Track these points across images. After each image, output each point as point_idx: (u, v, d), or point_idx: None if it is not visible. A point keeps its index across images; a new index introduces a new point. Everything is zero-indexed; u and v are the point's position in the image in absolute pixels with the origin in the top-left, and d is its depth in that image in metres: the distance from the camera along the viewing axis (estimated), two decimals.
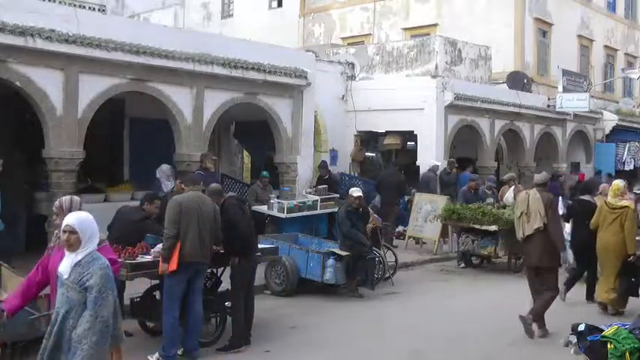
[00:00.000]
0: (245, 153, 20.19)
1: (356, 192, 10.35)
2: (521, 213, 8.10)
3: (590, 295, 9.88)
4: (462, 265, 13.00)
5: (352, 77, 18.43)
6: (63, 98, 10.45)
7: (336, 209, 11.93)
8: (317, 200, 13.07)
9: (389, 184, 14.99)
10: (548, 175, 8.64)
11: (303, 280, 9.99)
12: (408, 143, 18.76)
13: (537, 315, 8.03)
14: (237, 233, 7.35)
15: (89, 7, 17.51)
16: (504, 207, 13.08)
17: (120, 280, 7.25)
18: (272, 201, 12.74)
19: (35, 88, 10.19)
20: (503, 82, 21.33)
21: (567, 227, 10.30)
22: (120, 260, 6.50)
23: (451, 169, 16.47)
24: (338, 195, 13.70)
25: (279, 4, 29.07)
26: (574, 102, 21.13)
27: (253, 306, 7.74)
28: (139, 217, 7.84)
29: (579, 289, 10.03)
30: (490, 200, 13.91)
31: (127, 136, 14.83)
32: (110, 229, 7.92)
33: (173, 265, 6.68)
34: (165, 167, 12.07)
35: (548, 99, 21.76)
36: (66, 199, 5.04)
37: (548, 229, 7.91)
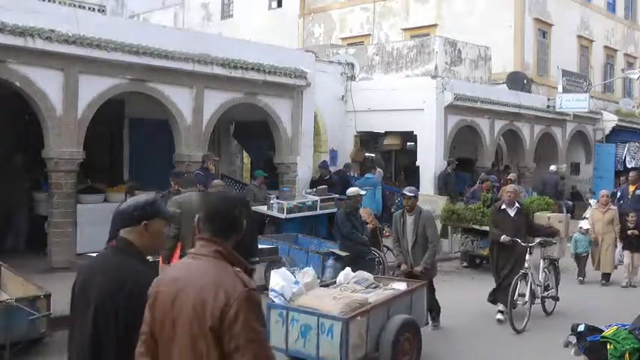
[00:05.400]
0: (245, 153, 20.18)
1: (360, 192, 10.32)
2: None
3: None
4: (465, 264, 13.02)
5: (352, 77, 18.42)
6: (63, 98, 10.46)
7: (335, 210, 11.90)
8: (317, 200, 13.07)
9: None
10: None
11: None
12: (408, 144, 18.76)
13: None
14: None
15: (89, 8, 17.49)
16: None
17: None
18: (272, 201, 12.72)
19: (35, 89, 10.20)
20: (503, 83, 21.31)
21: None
22: None
23: (452, 170, 16.46)
24: (337, 195, 13.69)
25: (279, 5, 29.07)
26: (574, 102, 21.15)
27: None
28: None
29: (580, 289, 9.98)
30: None
31: (127, 136, 14.83)
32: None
33: None
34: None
35: (548, 99, 21.77)
36: None
37: None
